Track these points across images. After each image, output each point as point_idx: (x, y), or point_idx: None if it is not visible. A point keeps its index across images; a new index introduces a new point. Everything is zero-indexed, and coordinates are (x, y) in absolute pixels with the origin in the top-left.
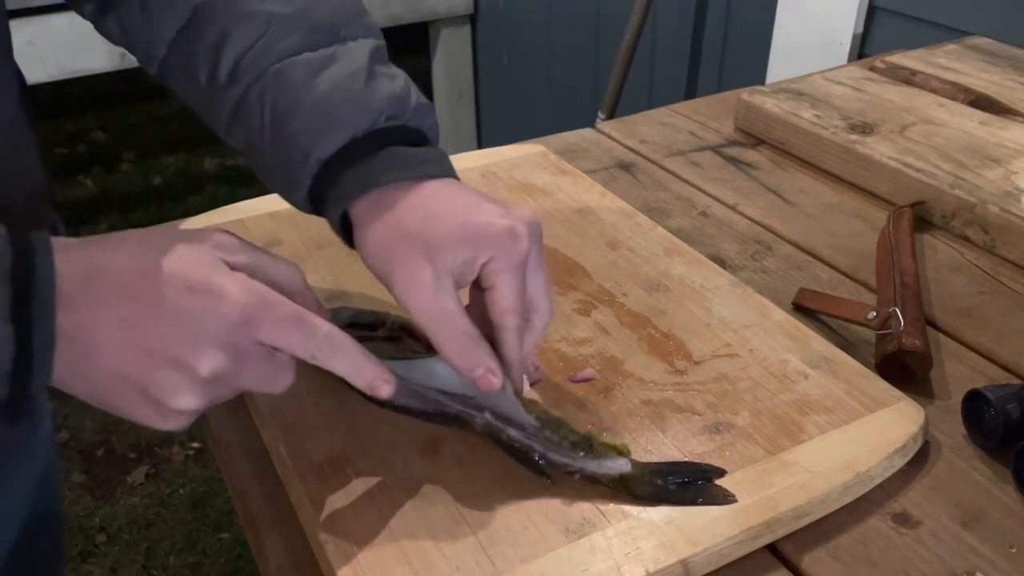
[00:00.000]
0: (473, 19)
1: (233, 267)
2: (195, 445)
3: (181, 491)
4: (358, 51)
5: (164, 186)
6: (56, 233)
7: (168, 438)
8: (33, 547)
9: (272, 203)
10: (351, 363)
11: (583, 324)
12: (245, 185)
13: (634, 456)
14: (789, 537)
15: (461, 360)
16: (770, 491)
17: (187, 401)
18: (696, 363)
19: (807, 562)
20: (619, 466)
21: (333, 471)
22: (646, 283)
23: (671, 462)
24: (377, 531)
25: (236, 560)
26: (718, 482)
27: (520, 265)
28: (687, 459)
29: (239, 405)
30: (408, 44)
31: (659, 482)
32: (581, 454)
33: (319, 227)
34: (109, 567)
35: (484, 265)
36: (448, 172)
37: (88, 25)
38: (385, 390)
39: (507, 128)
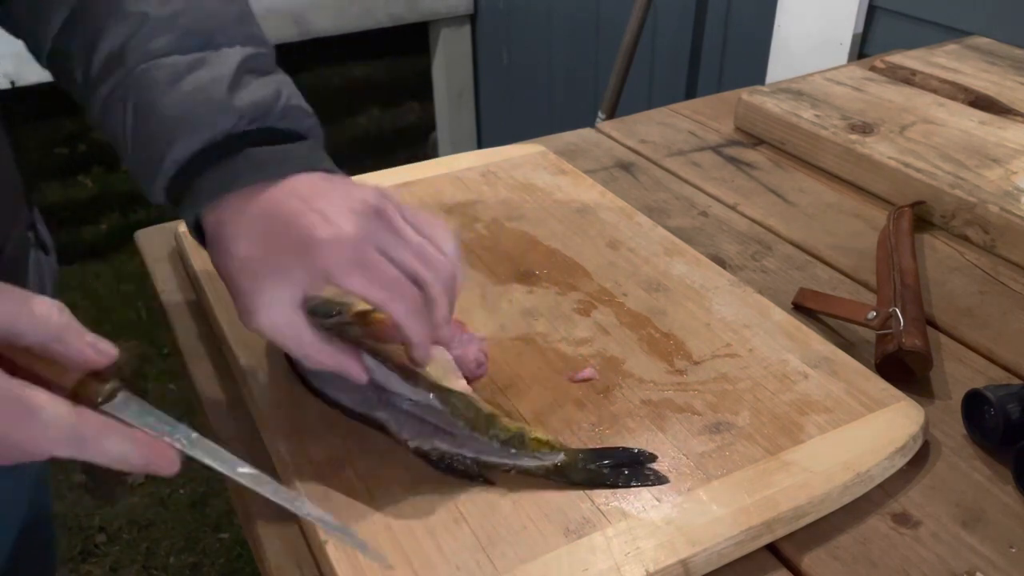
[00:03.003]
0: (473, 19)
1: None
2: None
3: (181, 491)
4: (229, 57)
5: None
6: (36, 232)
7: None
8: (25, 553)
9: None
10: (105, 454)
11: (583, 324)
12: None
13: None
14: (789, 537)
15: (326, 364)
16: (770, 491)
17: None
18: (696, 363)
19: (807, 562)
20: (553, 458)
21: (333, 471)
22: (646, 283)
23: (603, 448)
24: (377, 531)
25: (236, 560)
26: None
27: (359, 262)
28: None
29: (239, 405)
30: (408, 44)
31: (593, 467)
32: (512, 451)
33: None
34: (109, 567)
35: (332, 278)
36: (312, 165)
37: None
38: (166, 469)
39: (507, 128)
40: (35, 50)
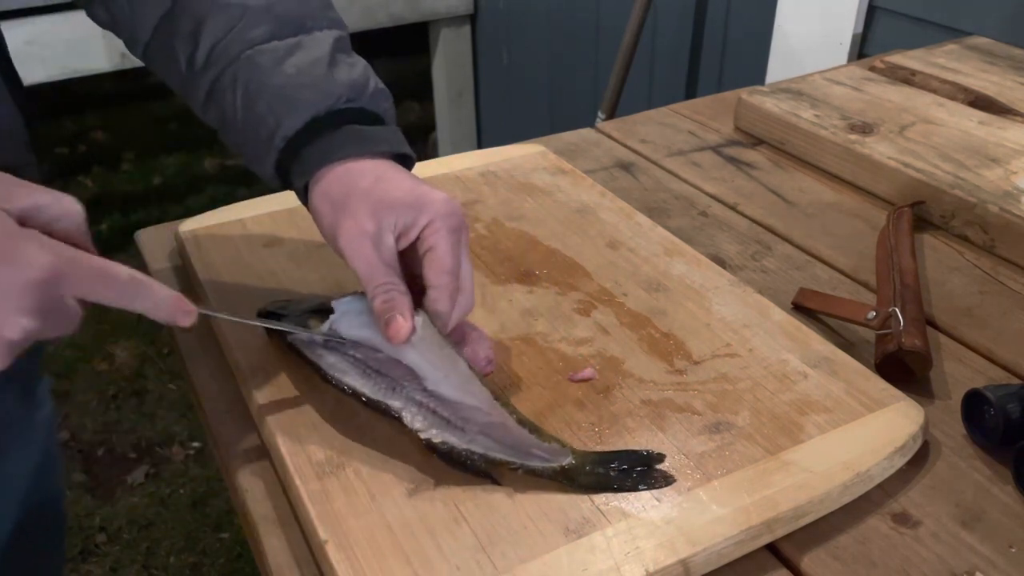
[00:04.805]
0: (473, 19)
1: (17, 216)
2: (195, 445)
3: (181, 491)
4: (322, 40)
5: (164, 186)
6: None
7: (168, 438)
8: (32, 535)
9: (272, 203)
10: (149, 300)
11: (583, 324)
12: (245, 185)
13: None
14: (789, 537)
15: (382, 305)
16: (770, 491)
17: None
18: (696, 363)
19: (807, 562)
20: (560, 459)
21: (333, 471)
22: (646, 283)
23: (611, 451)
24: (377, 531)
25: (236, 560)
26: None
27: (457, 230)
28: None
29: (239, 404)
30: (408, 44)
31: (601, 470)
32: (525, 431)
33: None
34: (109, 567)
35: (424, 228)
36: (401, 148)
37: (88, 25)
38: (186, 320)
39: (507, 128)
40: (131, 41)
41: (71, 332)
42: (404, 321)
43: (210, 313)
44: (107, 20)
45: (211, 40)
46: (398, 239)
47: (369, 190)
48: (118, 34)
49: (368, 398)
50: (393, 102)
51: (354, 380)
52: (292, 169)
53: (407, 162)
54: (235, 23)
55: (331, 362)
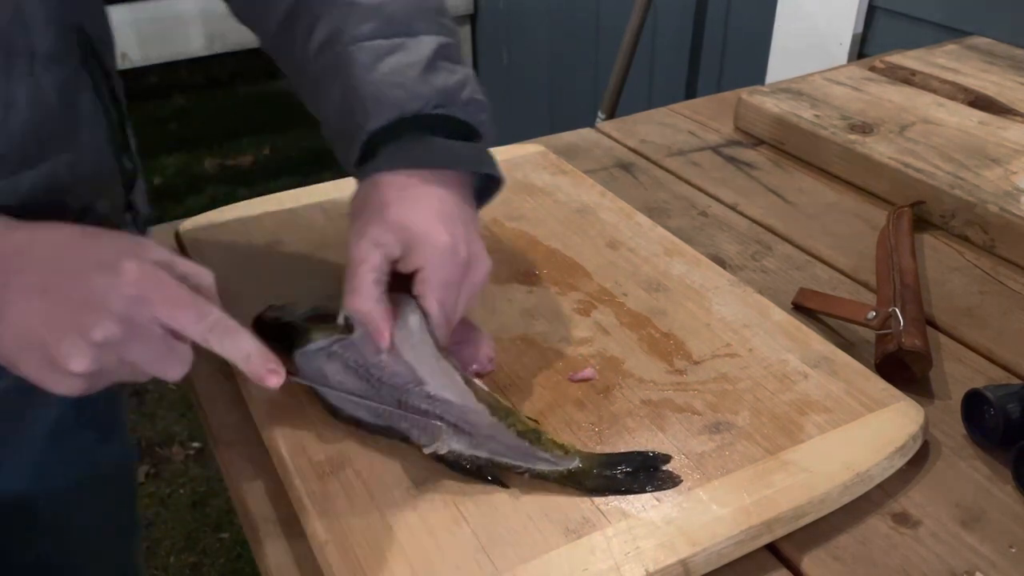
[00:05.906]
0: (473, 19)
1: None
2: (195, 445)
3: (181, 491)
4: (425, 44)
5: (164, 186)
6: (135, 216)
7: (168, 438)
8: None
9: (272, 203)
10: (240, 349)
11: (583, 324)
12: (245, 185)
13: None
14: (789, 537)
15: (361, 319)
16: (770, 491)
17: (79, 363)
18: (696, 363)
19: (807, 562)
20: (567, 463)
21: (333, 471)
22: (646, 283)
23: (618, 453)
24: (377, 531)
25: (236, 560)
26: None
27: (449, 285)
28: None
29: (239, 405)
30: None
31: (608, 473)
32: (527, 444)
33: (319, 228)
34: None
35: (415, 271)
36: (479, 167)
37: None
38: (272, 381)
39: (507, 128)
40: (261, 35)
41: (172, 376)
42: (383, 332)
43: (300, 381)
44: (240, 16)
45: (322, 35)
46: (393, 263)
47: (386, 203)
48: (251, 28)
49: (372, 425)
50: (490, 117)
51: (357, 409)
52: (366, 163)
53: (491, 183)
54: (345, 19)
55: (336, 392)
